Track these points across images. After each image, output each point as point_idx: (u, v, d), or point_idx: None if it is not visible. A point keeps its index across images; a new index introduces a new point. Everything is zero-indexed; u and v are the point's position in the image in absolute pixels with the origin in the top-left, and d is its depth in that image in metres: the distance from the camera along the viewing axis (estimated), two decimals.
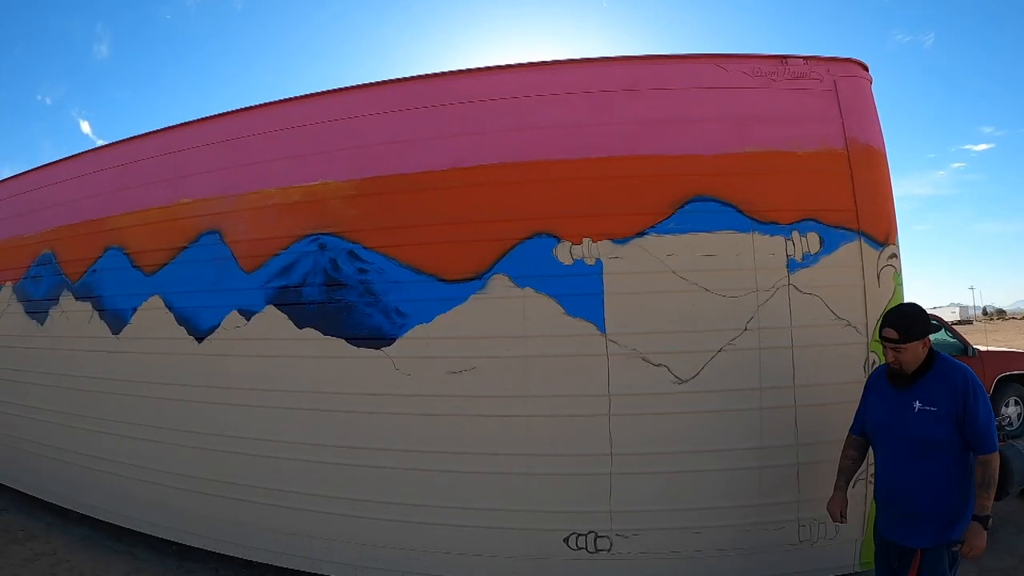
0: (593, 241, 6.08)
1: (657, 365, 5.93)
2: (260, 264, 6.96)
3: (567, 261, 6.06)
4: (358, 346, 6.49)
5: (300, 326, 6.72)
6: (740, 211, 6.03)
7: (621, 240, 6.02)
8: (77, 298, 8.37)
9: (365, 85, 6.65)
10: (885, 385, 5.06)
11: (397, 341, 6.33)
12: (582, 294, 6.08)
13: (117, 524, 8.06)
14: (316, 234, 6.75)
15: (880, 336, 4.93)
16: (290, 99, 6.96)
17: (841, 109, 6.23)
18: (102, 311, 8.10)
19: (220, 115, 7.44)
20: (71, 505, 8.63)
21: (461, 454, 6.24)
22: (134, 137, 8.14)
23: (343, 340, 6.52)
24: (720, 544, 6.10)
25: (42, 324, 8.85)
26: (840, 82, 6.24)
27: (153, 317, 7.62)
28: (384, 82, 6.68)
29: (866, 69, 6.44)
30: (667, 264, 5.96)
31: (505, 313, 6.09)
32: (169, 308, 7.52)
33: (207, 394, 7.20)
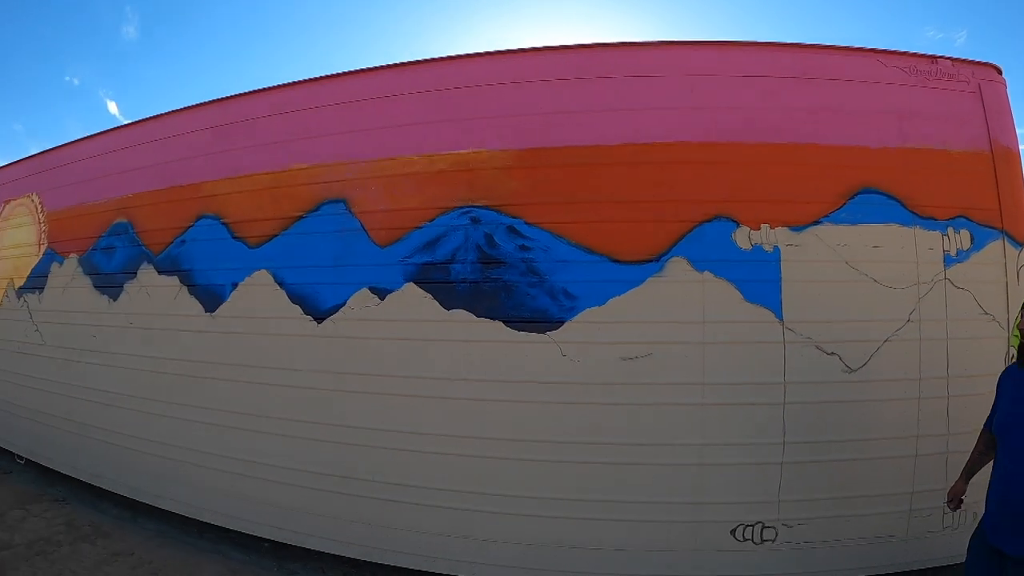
0: (771, 227, 4.52)
1: (830, 354, 4.51)
2: (398, 237, 4.85)
3: (746, 246, 4.48)
4: (518, 329, 4.58)
5: (448, 307, 4.71)
6: (903, 205, 4.67)
7: (798, 228, 4.52)
8: (160, 272, 5.84)
9: (524, 50, 4.85)
10: (1014, 382, 3.80)
11: (565, 325, 4.52)
12: (760, 280, 4.52)
13: (203, 520, 5.66)
14: (468, 206, 4.74)
15: (1019, 327, 3.81)
16: (431, 60, 5.01)
17: (985, 111, 4.90)
18: (192, 286, 5.62)
19: (344, 74, 5.28)
20: (145, 498, 6.05)
21: (631, 445, 4.52)
22: (233, 96, 5.71)
23: (500, 323, 4.61)
24: (877, 530, 4.68)
25: (115, 300, 6.19)
26: (984, 85, 4.96)
27: (259, 294, 5.28)
28: (545, 48, 4.89)
29: (1001, 73, 5.07)
30: (840, 254, 4.55)
31: (683, 297, 4.49)
32: (280, 284, 5.20)
33: (325, 380, 5.01)
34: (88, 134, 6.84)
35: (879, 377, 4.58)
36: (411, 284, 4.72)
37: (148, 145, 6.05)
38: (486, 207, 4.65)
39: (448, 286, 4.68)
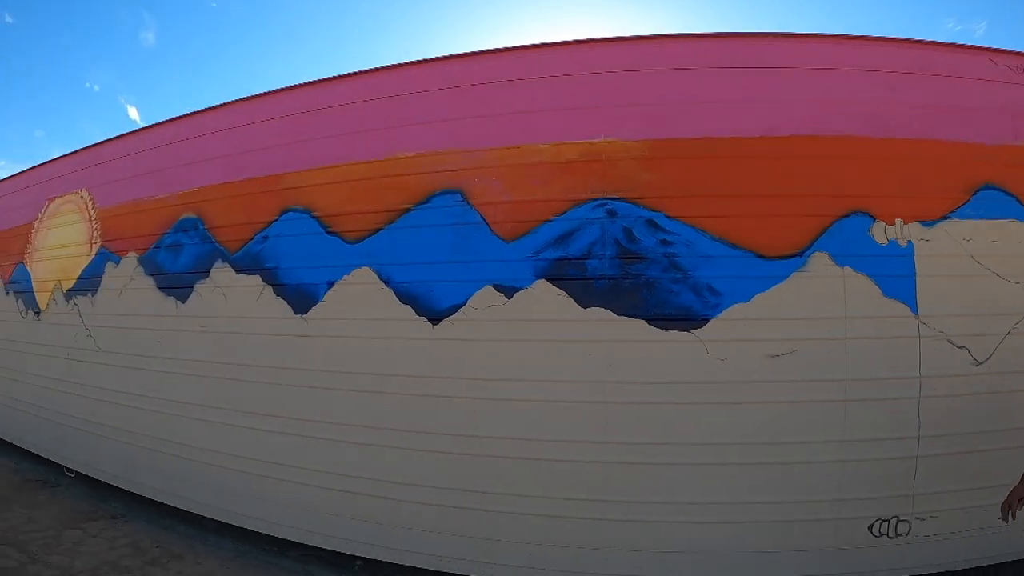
0: (904, 223, 3.60)
1: (959, 347, 3.64)
2: (526, 231, 3.62)
3: (882, 241, 3.61)
4: (662, 328, 3.46)
5: (585, 305, 3.53)
6: (1019, 201, 3.76)
7: (929, 223, 3.64)
8: (239, 271, 4.33)
9: (659, 37, 3.74)
10: None
11: (710, 322, 3.47)
12: (897, 275, 3.62)
13: (286, 538, 4.21)
14: (602, 199, 3.56)
15: None
16: (558, 44, 3.79)
17: None
18: (279, 286, 4.15)
19: (455, 57, 3.93)
20: (220, 515, 4.50)
21: (774, 444, 3.50)
22: (320, 81, 4.24)
23: (643, 321, 3.48)
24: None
25: (183, 302, 4.61)
26: None
27: (360, 294, 3.91)
28: (682, 35, 3.75)
29: None
30: (966, 248, 3.65)
31: (825, 293, 3.54)
32: (386, 283, 3.84)
33: (443, 386, 3.72)
34: (138, 128, 5.34)
35: (1005, 369, 3.70)
36: (543, 281, 3.54)
37: (219, 135, 4.55)
38: (622, 199, 3.54)
39: (585, 283, 3.54)
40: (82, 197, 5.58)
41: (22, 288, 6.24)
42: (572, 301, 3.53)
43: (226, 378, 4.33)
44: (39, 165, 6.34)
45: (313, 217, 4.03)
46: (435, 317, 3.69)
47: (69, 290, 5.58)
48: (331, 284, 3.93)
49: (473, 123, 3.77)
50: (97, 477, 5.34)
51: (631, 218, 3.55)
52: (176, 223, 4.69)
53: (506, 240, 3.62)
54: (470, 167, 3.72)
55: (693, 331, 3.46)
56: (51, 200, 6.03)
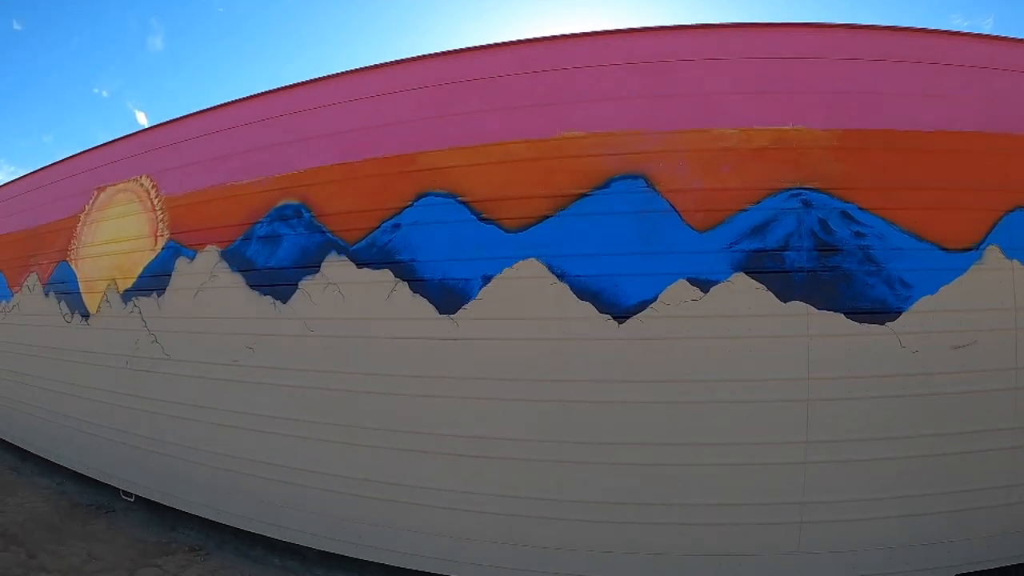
0: None
1: None
2: (720, 221, 2.35)
3: None
4: (859, 321, 2.31)
5: (785, 299, 2.30)
6: None
7: None
8: (360, 264, 2.66)
9: (853, 26, 3.22)
10: None
11: (903, 315, 2.36)
12: None
13: (425, 570, 2.56)
14: (797, 188, 2.35)
15: None
16: (751, 25, 2.49)
17: None
18: (417, 282, 2.54)
19: (631, 31, 2.51)
20: (331, 547, 2.73)
21: (961, 434, 2.37)
22: (467, 50, 2.60)
23: (841, 315, 2.32)
24: None
25: (284, 301, 2.81)
26: None
27: (527, 289, 2.42)
28: (874, 27, 2.76)
29: None
30: None
31: (997, 285, 2.49)
32: (559, 277, 2.38)
33: (634, 391, 2.31)
34: (214, 105, 3.18)
35: None
36: (741, 274, 2.29)
37: (331, 110, 2.79)
38: (816, 189, 2.35)
39: (783, 276, 2.32)
40: (142, 185, 3.51)
41: (65, 289, 4.05)
42: (772, 295, 2.31)
43: (342, 390, 2.64)
44: (86, 151, 4.02)
45: (462, 203, 2.49)
46: (621, 315, 2.33)
47: (127, 290, 3.49)
48: (488, 279, 2.43)
49: (655, 103, 2.41)
50: (167, 503, 3.30)
51: (826, 209, 2.36)
52: (272, 211, 2.87)
53: (699, 230, 2.33)
54: (653, 150, 2.38)
55: (887, 324, 2.35)
56: (101, 189, 3.83)
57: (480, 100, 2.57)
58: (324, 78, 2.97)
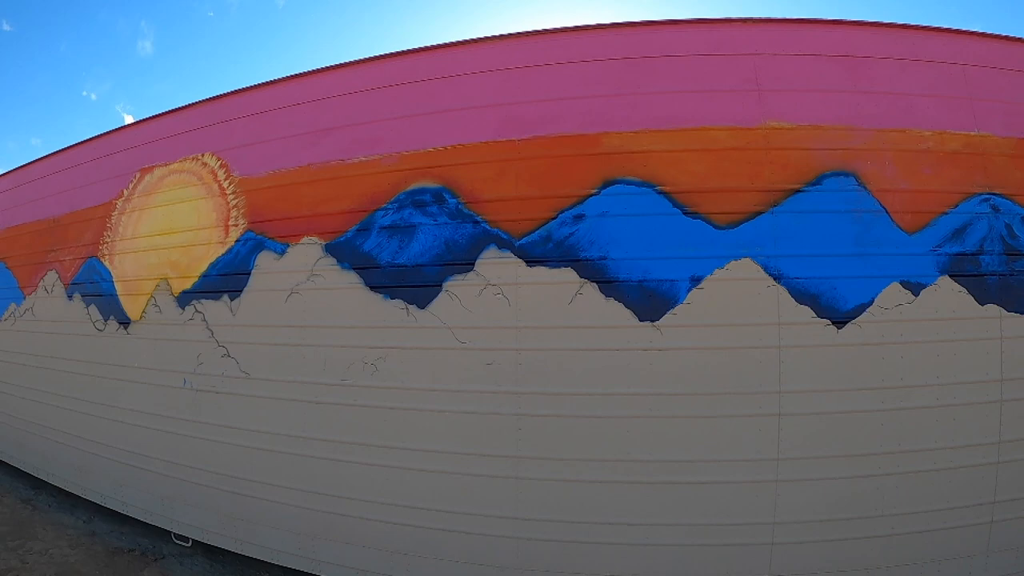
0: None
1: None
2: (926, 223, 1.42)
3: None
4: None
5: (982, 302, 1.42)
6: None
7: None
8: (531, 262, 1.36)
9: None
10: None
11: None
12: None
13: None
14: (986, 193, 1.46)
15: None
16: (935, 30, 1.96)
17: None
18: (609, 283, 1.32)
19: (822, 22, 1.50)
20: None
21: None
22: (650, 23, 1.42)
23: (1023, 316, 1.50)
24: None
25: (423, 307, 1.41)
26: None
27: (740, 292, 1.32)
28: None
29: None
30: None
31: None
32: (776, 279, 1.32)
33: (857, 400, 1.29)
34: (314, 69, 1.64)
35: None
36: (945, 277, 1.40)
37: (485, 78, 1.47)
38: (1001, 195, 1.49)
39: (980, 279, 1.45)
40: (204, 164, 1.83)
41: (96, 290, 2.17)
42: (971, 299, 1.45)
43: (512, 414, 1.37)
44: (125, 127, 2.17)
45: (661, 193, 1.36)
46: (840, 319, 1.36)
47: (185, 292, 1.80)
48: (697, 280, 1.34)
49: (858, 99, 1.45)
50: (241, 551, 1.73)
51: (1011, 214, 1.53)
52: (400, 195, 1.48)
53: (908, 232, 1.41)
54: (860, 147, 1.43)
55: None
56: (146, 171, 2.00)
57: (675, 79, 1.42)
58: (476, 41, 1.53)
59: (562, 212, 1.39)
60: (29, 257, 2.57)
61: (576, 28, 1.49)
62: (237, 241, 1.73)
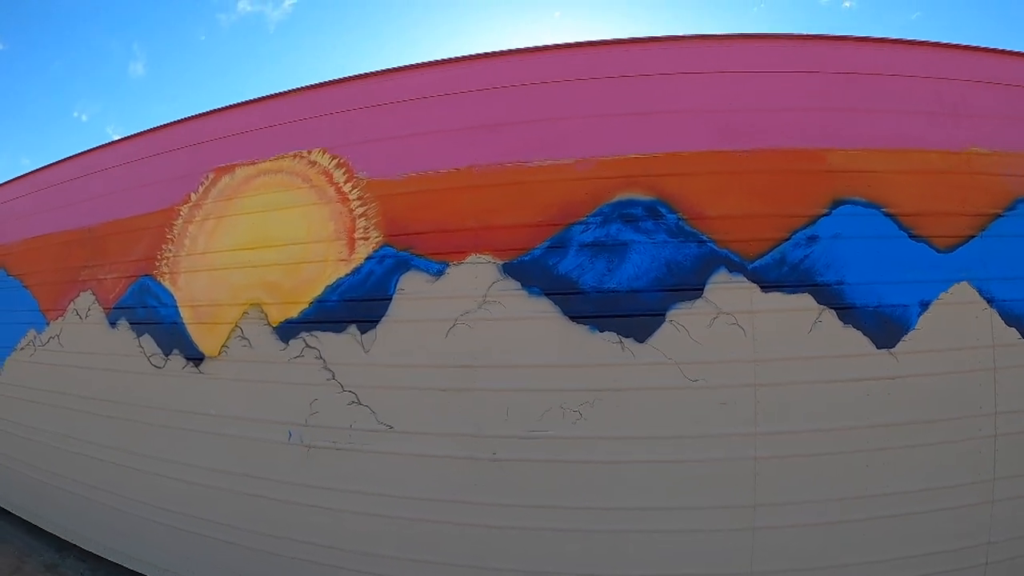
0: None
1: None
2: None
3: None
4: None
5: None
6: None
7: None
8: (767, 287, 0.63)
9: None
10: None
11: None
12: None
13: None
14: None
15: None
16: None
17: None
18: (846, 309, 0.65)
19: (1014, 54, 0.82)
20: None
21: None
22: (867, 40, 0.72)
23: None
24: None
25: (642, 340, 0.60)
26: None
27: (957, 316, 0.72)
28: None
29: None
30: None
31: None
32: (989, 302, 0.73)
33: None
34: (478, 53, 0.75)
35: None
36: None
37: (696, 78, 0.73)
38: None
39: None
40: (314, 163, 0.88)
41: (151, 317, 1.03)
42: None
43: (749, 458, 0.68)
44: (189, 118, 1.05)
45: (887, 215, 0.80)
46: None
47: (289, 321, 0.86)
48: (925, 305, 0.81)
49: None
50: None
51: None
52: (604, 207, 0.75)
53: None
54: None
55: None
56: (223, 171, 0.99)
57: (892, 98, 0.88)
58: (690, 38, 0.86)
59: (795, 232, 0.80)
60: (54, 274, 1.34)
61: (799, 37, 0.88)
62: (369, 258, 0.87)
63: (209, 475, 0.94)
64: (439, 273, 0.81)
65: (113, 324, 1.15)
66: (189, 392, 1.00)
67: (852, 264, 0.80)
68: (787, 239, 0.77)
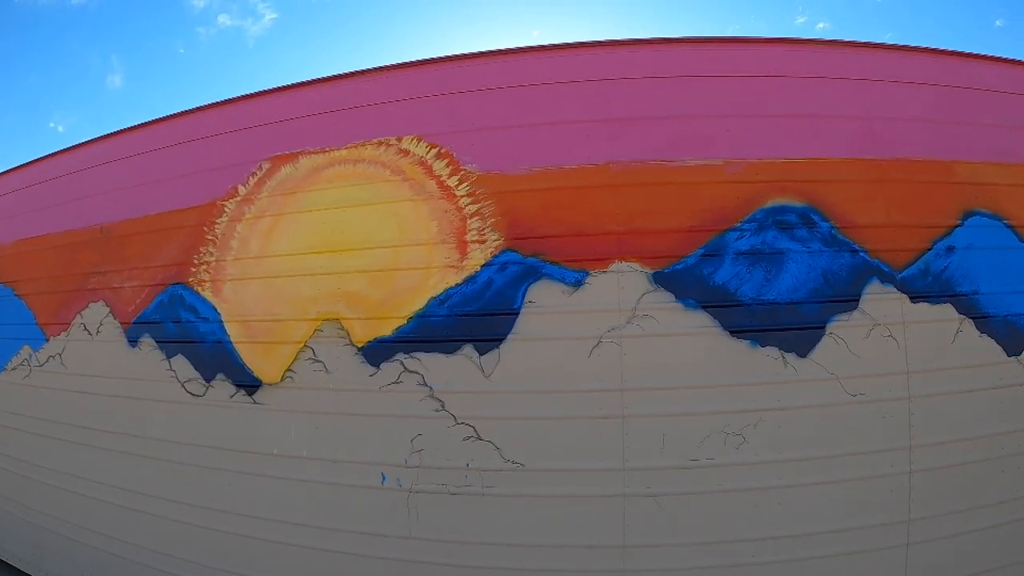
0: None
1: None
2: None
3: None
4: None
5: None
6: None
7: None
8: (915, 298, 0.57)
9: None
10: None
11: None
12: None
13: None
14: None
15: None
16: None
17: None
18: (982, 319, 0.61)
19: None
20: None
21: None
22: (968, 55, 0.71)
23: None
24: None
25: (804, 355, 0.49)
26: None
27: None
28: None
29: None
30: None
31: None
32: None
33: None
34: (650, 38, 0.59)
35: None
36: None
37: (849, 84, 0.65)
38: None
39: None
40: (406, 152, 0.67)
41: (186, 334, 0.76)
42: None
43: (904, 472, 0.60)
44: (237, 99, 0.76)
45: (1008, 227, 0.78)
46: None
47: (381, 341, 0.62)
48: None
49: None
50: None
51: None
52: (756, 213, 0.66)
53: None
54: None
55: None
56: (281, 160, 0.73)
57: (1006, 113, 0.86)
58: (833, 43, 0.81)
59: (936, 242, 0.77)
60: (55, 282, 1.07)
61: (934, 51, 0.85)
62: (487, 265, 0.72)
63: (275, 528, 0.69)
64: (578, 283, 0.67)
65: (133, 342, 0.88)
66: (239, 426, 0.77)
67: (984, 274, 0.78)
68: (929, 249, 0.74)
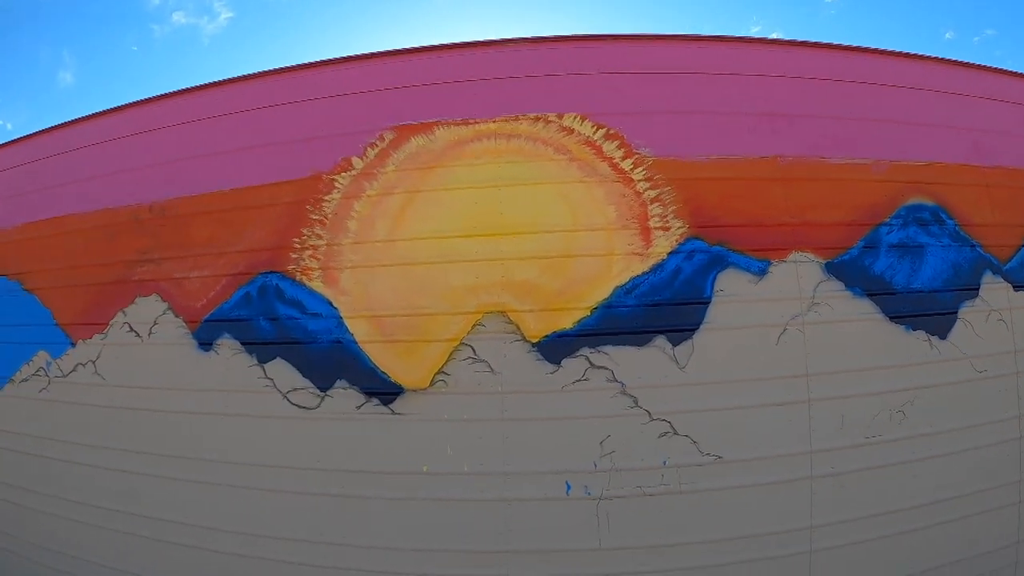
0: None
1: None
2: None
3: None
4: None
5: None
6: None
7: None
8: (1018, 287, 0.72)
9: None
10: None
11: None
12: None
13: None
14: None
15: None
16: None
17: None
18: None
19: None
20: None
21: None
22: None
23: None
24: None
25: (944, 337, 0.59)
26: None
27: None
28: None
29: None
30: None
31: None
32: None
33: None
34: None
35: None
36: None
37: (957, 99, 0.80)
38: None
39: None
40: (567, 129, 0.61)
41: (288, 335, 0.58)
42: None
43: (1015, 439, 0.75)
44: (352, 57, 0.59)
45: None
46: None
47: (560, 335, 0.56)
48: None
49: None
50: None
51: None
52: (900, 210, 0.77)
53: None
54: None
55: None
56: (409, 130, 0.60)
57: None
58: (946, 61, 0.88)
59: None
60: (81, 273, 0.77)
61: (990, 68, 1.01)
62: (673, 253, 0.71)
63: (440, 559, 0.55)
64: (761, 272, 0.70)
65: (206, 344, 0.70)
66: (373, 443, 0.63)
67: None
68: (1022, 245, 0.87)
